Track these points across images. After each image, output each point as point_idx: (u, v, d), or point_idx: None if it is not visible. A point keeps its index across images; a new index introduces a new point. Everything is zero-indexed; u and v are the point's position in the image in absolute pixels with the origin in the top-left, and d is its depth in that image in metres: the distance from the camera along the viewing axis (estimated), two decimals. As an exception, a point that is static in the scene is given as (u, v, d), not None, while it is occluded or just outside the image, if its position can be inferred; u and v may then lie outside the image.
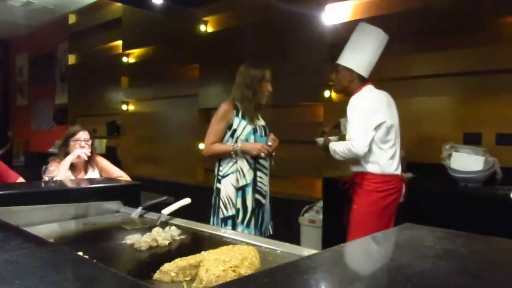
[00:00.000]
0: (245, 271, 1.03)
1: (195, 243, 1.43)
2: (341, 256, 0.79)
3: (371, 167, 2.35)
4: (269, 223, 2.57)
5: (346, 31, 3.65)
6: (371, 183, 2.35)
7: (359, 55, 2.45)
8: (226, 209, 2.42)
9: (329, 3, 3.76)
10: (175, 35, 5.16)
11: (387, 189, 2.35)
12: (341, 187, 2.50)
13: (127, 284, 0.66)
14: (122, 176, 2.72)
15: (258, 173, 2.47)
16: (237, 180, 2.42)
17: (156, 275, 1.04)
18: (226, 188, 2.43)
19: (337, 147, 2.36)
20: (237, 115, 2.46)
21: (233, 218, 2.40)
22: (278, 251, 1.27)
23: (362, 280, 0.64)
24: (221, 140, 2.48)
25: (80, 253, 1.06)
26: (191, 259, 1.07)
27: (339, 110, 3.68)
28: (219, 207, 2.44)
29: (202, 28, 4.86)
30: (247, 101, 2.48)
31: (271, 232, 2.54)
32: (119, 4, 5.80)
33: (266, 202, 2.52)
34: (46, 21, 7.11)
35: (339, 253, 0.81)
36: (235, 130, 2.46)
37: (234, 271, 1.00)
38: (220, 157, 2.49)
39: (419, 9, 3.22)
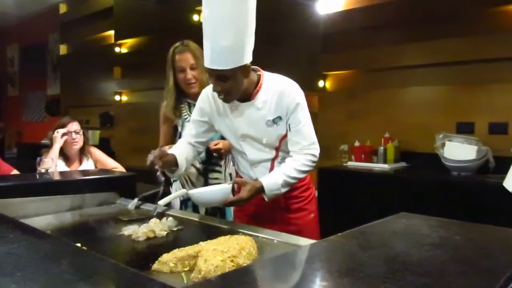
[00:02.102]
0: (243, 261, 1.04)
1: (192, 234, 1.44)
2: (339, 245, 0.80)
3: None
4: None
5: (340, 21, 3.66)
6: (308, 182, 1.88)
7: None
8: None
9: (323, -8, 3.74)
10: (167, 24, 5.11)
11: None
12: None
13: (127, 275, 0.67)
14: (117, 167, 2.71)
15: (213, 175, 2.11)
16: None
17: (155, 266, 1.05)
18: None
19: (289, 172, 1.61)
20: (179, 115, 2.13)
21: None
22: (275, 241, 1.28)
23: (361, 269, 0.65)
24: (170, 143, 2.15)
25: (78, 245, 1.07)
26: (189, 249, 1.08)
27: (334, 100, 3.71)
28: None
29: (195, 17, 4.82)
30: (165, 95, 2.16)
31: None
32: (111, -7, 5.74)
33: None
34: (36, 11, 7.01)
35: (337, 243, 0.82)
36: (180, 134, 2.13)
37: (232, 261, 1.01)
38: None
39: (409, -1, 3.22)
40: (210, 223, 1.54)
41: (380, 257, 0.72)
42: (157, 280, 0.64)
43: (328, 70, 3.77)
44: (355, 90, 3.56)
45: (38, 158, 2.60)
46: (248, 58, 1.56)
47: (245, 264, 1.03)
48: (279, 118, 1.64)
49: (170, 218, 1.47)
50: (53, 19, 6.92)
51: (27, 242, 0.83)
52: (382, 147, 3.10)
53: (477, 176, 2.63)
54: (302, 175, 1.65)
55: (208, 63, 1.51)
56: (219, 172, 2.13)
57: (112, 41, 5.94)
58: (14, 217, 1.25)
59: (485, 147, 2.64)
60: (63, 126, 2.67)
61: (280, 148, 1.71)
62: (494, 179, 2.48)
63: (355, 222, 1.01)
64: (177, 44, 2.15)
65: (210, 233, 1.40)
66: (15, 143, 7.80)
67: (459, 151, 2.63)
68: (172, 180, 2.19)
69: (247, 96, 1.64)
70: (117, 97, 5.94)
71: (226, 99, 1.60)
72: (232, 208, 2.19)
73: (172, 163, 1.68)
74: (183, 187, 2.09)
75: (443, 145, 2.71)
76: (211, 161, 2.10)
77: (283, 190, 1.61)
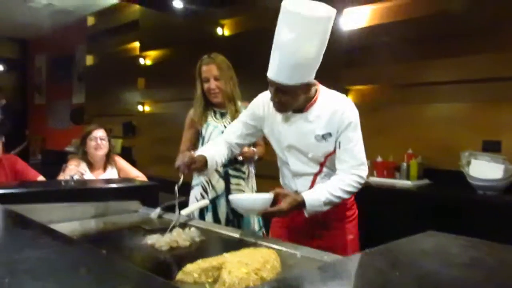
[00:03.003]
0: (267, 274, 1.03)
1: (215, 245, 1.44)
2: (366, 262, 0.79)
3: None
4: (259, 231, 2.24)
5: (363, 36, 3.66)
6: (354, 202, 1.85)
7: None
8: None
9: (346, 7, 3.75)
10: (191, 37, 5.19)
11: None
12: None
13: (157, 284, 0.67)
14: (139, 176, 2.75)
15: (233, 180, 2.20)
16: (206, 193, 2.19)
17: (179, 276, 1.05)
18: (191, 201, 2.23)
19: (334, 191, 1.58)
20: (205, 120, 2.26)
21: None
22: (298, 255, 1.27)
23: (393, 286, 0.64)
24: (191, 149, 2.24)
25: (103, 252, 1.08)
26: (213, 260, 1.08)
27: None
28: None
29: (219, 31, 4.89)
30: (194, 102, 2.30)
31: None
32: (137, 6, 5.87)
33: None
34: (65, 23, 7.22)
35: (364, 259, 0.81)
36: (204, 137, 2.24)
37: (256, 274, 1.01)
38: None
39: (438, 14, 3.19)
40: (232, 235, 1.53)
41: (410, 276, 0.70)
42: (187, 290, 0.64)
43: (351, 84, 3.76)
44: (378, 105, 3.53)
45: (64, 165, 2.67)
46: (311, 77, 1.59)
47: (268, 278, 1.03)
48: (329, 134, 1.63)
49: (193, 229, 1.48)
50: (81, 31, 7.12)
51: (58, 248, 0.84)
52: (405, 163, 3.05)
53: (503, 195, 2.57)
54: (346, 196, 1.61)
55: (272, 74, 1.55)
56: (241, 178, 2.20)
57: (137, 52, 6.07)
58: (41, 222, 1.27)
59: (512, 166, 2.57)
60: (89, 133, 2.74)
61: (325, 164, 1.69)
62: (521, 199, 2.41)
63: (377, 239, 0.99)
64: (205, 56, 2.30)
65: (232, 244, 1.40)
66: (40, 150, 8.00)
67: (485, 169, 2.57)
68: (193, 183, 2.25)
69: (301, 107, 1.64)
70: (140, 107, 6.04)
71: (280, 110, 1.64)
72: (252, 222, 2.20)
73: (201, 169, 1.71)
74: (204, 190, 2.18)
75: (469, 163, 2.65)
76: (233, 165, 2.18)
77: (325, 208, 1.58)
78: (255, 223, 2.24)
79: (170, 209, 1.82)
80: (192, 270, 1.05)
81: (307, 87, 1.60)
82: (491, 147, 2.81)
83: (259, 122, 1.77)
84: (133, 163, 4.36)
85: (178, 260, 1.20)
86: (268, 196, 1.51)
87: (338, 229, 1.75)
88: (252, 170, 2.28)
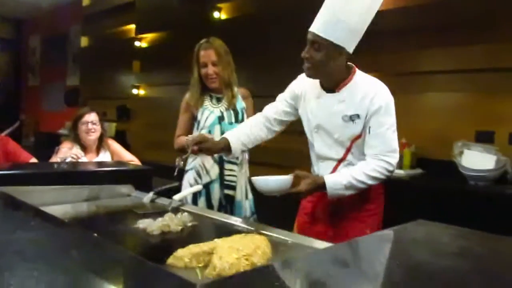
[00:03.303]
0: (257, 260, 1.04)
1: (207, 230, 1.45)
2: (358, 250, 0.80)
3: None
4: (250, 217, 2.27)
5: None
6: (382, 195, 1.80)
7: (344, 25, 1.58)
8: None
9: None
10: (188, 21, 5.13)
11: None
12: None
13: (148, 268, 0.67)
14: (133, 160, 2.74)
15: (227, 166, 2.20)
16: (200, 177, 2.19)
17: (170, 260, 1.06)
18: (184, 185, 2.23)
19: (358, 176, 1.56)
20: (201, 104, 2.24)
21: None
22: (289, 242, 1.28)
23: (384, 275, 0.65)
24: (187, 133, 2.24)
25: (94, 235, 1.08)
26: (205, 246, 1.08)
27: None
28: None
29: (216, 14, 4.83)
30: (190, 85, 2.29)
31: None
32: (133, -13, 5.79)
33: (237, 194, 2.22)
34: (60, 2, 7.11)
35: (356, 247, 0.81)
36: (199, 122, 2.24)
37: (247, 259, 1.01)
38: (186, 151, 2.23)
39: (433, 4, 3.17)
40: (224, 220, 1.54)
41: (401, 264, 0.71)
42: (178, 275, 0.64)
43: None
44: (373, 93, 3.52)
45: (56, 147, 2.65)
46: (347, 45, 1.59)
47: (259, 264, 1.03)
48: (357, 116, 1.61)
49: (185, 214, 1.48)
50: (75, 11, 7.01)
51: (49, 230, 0.84)
52: (398, 153, 3.06)
53: (494, 186, 2.59)
54: (371, 181, 1.57)
55: (312, 27, 1.60)
56: (235, 164, 2.20)
57: (133, 35, 5.99)
58: (33, 205, 1.27)
59: (505, 157, 2.59)
60: (81, 117, 2.71)
61: (350, 151, 1.67)
62: (512, 190, 2.44)
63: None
64: (203, 40, 2.27)
65: (224, 230, 1.41)
66: (33, 132, 7.94)
67: (477, 160, 2.58)
68: (187, 167, 2.25)
69: (333, 87, 1.65)
70: (134, 91, 5.99)
71: (309, 70, 1.64)
72: (244, 208, 2.23)
73: (214, 150, 1.76)
74: (198, 175, 2.17)
75: (461, 153, 2.66)
76: None
77: (347, 192, 1.57)
78: (247, 209, 2.25)
79: (163, 193, 1.83)
80: (183, 255, 1.05)
81: (340, 53, 1.59)
82: (484, 138, 2.82)
83: (296, 101, 1.79)
84: (127, 147, 4.34)
85: (169, 244, 1.21)
86: (288, 177, 1.54)
87: (355, 220, 1.71)
88: (246, 156, 2.29)
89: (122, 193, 1.90)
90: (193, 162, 2.23)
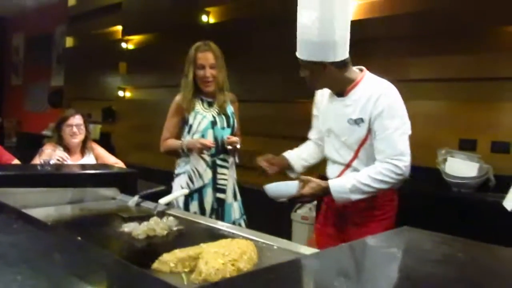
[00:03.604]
0: (244, 265, 1.04)
1: (192, 235, 1.44)
2: (344, 256, 0.80)
3: None
4: (240, 218, 2.31)
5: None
6: (393, 202, 1.80)
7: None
8: None
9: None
10: (176, 23, 5.12)
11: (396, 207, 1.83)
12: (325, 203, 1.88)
13: (133, 272, 0.67)
14: (117, 163, 2.71)
15: (220, 170, 2.22)
16: (192, 182, 2.19)
17: (155, 265, 1.05)
18: (175, 189, 2.23)
19: (362, 179, 1.57)
20: (193, 108, 2.23)
21: None
22: (275, 247, 1.28)
23: (368, 281, 0.65)
24: (175, 136, 2.27)
25: (78, 239, 1.06)
26: (190, 250, 1.08)
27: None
28: None
29: (204, 18, 4.83)
30: (182, 87, 2.26)
31: (242, 226, 2.29)
32: (121, -12, 5.75)
33: (227, 197, 2.25)
34: (45, 2, 7.01)
35: (341, 253, 0.82)
36: (191, 126, 2.22)
37: (233, 265, 1.01)
38: (176, 155, 2.28)
39: (420, 13, 3.22)
40: (210, 225, 1.53)
41: (387, 270, 0.72)
42: (163, 280, 0.64)
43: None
44: (359, 100, 3.55)
45: (40, 149, 2.61)
46: (324, 58, 1.64)
47: (245, 269, 1.03)
48: (361, 120, 1.63)
49: (171, 218, 1.47)
50: (61, 11, 6.92)
51: (31, 233, 0.83)
52: (383, 159, 3.09)
53: (477, 193, 2.63)
54: (377, 185, 1.56)
55: (297, 52, 1.71)
56: (226, 168, 2.24)
57: (119, 36, 5.95)
58: (15, 207, 1.24)
59: (487, 165, 2.64)
60: (65, 119, 2.68)
61: (358, 155, 1.69)
62: (494, 197, 2.47)
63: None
64: (200, 43, 2.29)
65: (210, 234, 1.40)
66: (15, 133, 7.79)
67: (460, 167, 2.62)
68: (178, 171, 2.27)
69: (342, 92, 1.71)
70: (120, 93, 5.94)
71: (309, 86, 1.77)
72: (233, 210, 2.27)
73: (285, 166, 1.91)
74: (190, 179, 2.19)
75: (445, 160, 2.70)
76: (220, 156, 2.21)
77: (354, 196, 1.57)
78: (236, 210, 2.29)
79: (148, 197, 1.81)
80: (169, 259, 1.05)
81: (326, 68, 1.65)
82: (467, 146, 2.87)
83: (318, 111, 1.88)
84: (112, 149, 4.30)
85: (154, 249, 1.20)
86: (296, 182, 1.65)
87: (359, 225, 1.71)
88: (236, 159, 2.31)
89: (107, 196, 1.88)
90: (186, 166, 2.23)
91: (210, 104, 2.25)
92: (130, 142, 5.76)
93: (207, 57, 2.20)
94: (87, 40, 6.66)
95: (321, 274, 0.70)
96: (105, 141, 5.27)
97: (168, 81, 5.35)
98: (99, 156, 2.76)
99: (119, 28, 5.99)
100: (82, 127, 2.70)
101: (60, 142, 2.66)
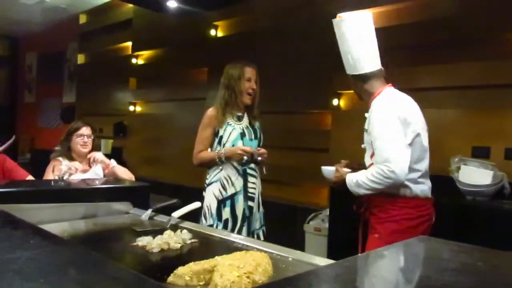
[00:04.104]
0: (259, 277, 1.03)
1: (207, 248, 1.43)
2: (360, 266, 0.79)
3: (401, 189, 1.90)
4: (259, 229, 2.46)
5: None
6: (401, 208, 1.89)
7: (344, 55, 2.06)
8: (205, 219, 2.38)
9: (339, 11, 3.77)
10: (185, 38, 5.18)
11: (420, 215, 1.92)
12: (355, 210, 2.12)
13: (149, 286, 0.67)
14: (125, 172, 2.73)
15: (250, 179, 2.40)
16: (224, 189, 2.35)
17: (170, 278, 1.04)
18: (208, 197, 2.39)
19: (362, 177, 1.86)
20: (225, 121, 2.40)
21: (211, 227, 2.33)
22: (290, 259, 1.27)
23: (386, 292, 0.65)
24: (208, 147, 2.42)
25: (94, 253, 1.07)
26: (205, 263, 1.07)
27: (347, 119, 3.71)
28: (201, 215, 2.40)
29: (212, 32, 4.88)
30: (226, 100, 2.41)
31: (261, 238, 2.44)
32: (130, 5, 5.85)
33: (256, 207, 2.43)
34: (57, 20, 7.16)
35: (358, 264, 0.81)
36: (221, 137, 2.40)
37: (248, 277, 1.00)
38: (208, 165, 2.44)
39: (429, 21, 3.22)
40: (224, 237, 1.53)
41: (403, 281, 0.71)
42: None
43: (342, 89, 3.78)
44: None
45: (50, 165, 2.64)
46: (352, 71, 2.05)
47: (260, 281, 1.02)
48: (366, 129, 1.99)
49: (184, 231, 1.47)
50: (72, 29, 7.07)
51: (48, 248, 0.83)
52: (395, 168, 3.06)
53: (492, 201, 2.59)
54: (371, 184, 1.85)
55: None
56: (255, 177, 2.43)
57: (129, 52, 6.04)
58: (31, 223, 1.26)
59: (501, 173, 2.60)
60: (77, 129, 2.72)
61: (372, 158, 1.96)
62: (509, 205, 2.44)
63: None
64: (243, 60, 2.52)
65: (224, 247, 1.40)
66: (29, 149, 7.90)
67: (474, 175, 2.59)
68: (211, 180, 2.40)
69: (368, 103, 2.04)
70: (131, 108, 6.00)
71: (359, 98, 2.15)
72: (256, 217, 2.43)
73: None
74: (223, 187, 2.35)
75: (458, 168, 2.67)
76: (250, 165, 2.39)
77: (359, 190, 1.90)
78: (258, 221, 2.46)
79: (161, 211, 1.82)
80: (184, 273, 1.04)
81: (359, 80, 2.03)
82: (481, 153, 2.84)
83: None
84: (123, 164, 4.32)
85: (169, 262, 1.20)
86: (332, 169, 2.12)
87: (370, 224, 2.03)
88: (264, 170, 2.48)
89: (120, 211, 1.88)
90: (218, 175, 2.37)
91: (239, 118, 2.44)
92: (141, 156, 5.80)
93: (254, 72, 2.45)
94: (98, 57, 6.78)
95: (337, 285, 0.69)
96: (117, 156, 5.31)
97: (177, 94, 5.41)
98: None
99: (129, 44, 6.09)
100: (91, 138, 2.75)
101: (68, 154, 2.70)
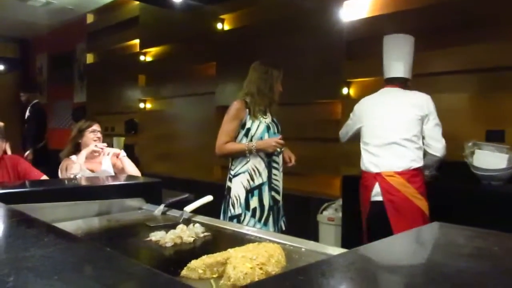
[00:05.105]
0: (272, 268, 1.03)
1: (219, 241, 1.44)
2: (373, 254, 0.79)
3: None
4: (281, 218, 2.59)
5: (364, 28, 3.63)
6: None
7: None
8: (234, 208, 2.45)
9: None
10: (192, 33, 5.18)
11: (364, 185, 2.58)
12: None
13: (162, 280, 0.67)
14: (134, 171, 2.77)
15: (273, 171, 2.50)
16: (252, 179, 2.44)
17: (184, 272, 1.05)
18: (236, 187, 2.46)
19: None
20: (249, 113, 2.48)
21: (239, 217, 2.43)
22: (303, 249, 1.27)
23: (399, 278, 0.64)
24: (233, 139, 2.49)
25: (108, 249, 1.08)
26: (218, 256, 1.08)
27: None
28: (228, 205, 2.48)
29: (219, 26, 4.87)
30: (262, 95, 2.50)
31: (283, 228, 2.56)
32: (137, 2, 5.86)
33: (280, 198, 2.55)
34: (65, 21, 7.21)
35: (371, 251, 0.80)
36: (249, 129, 2.48)
37: (261, 268, 1.00)
38: (234, 156, 2.51)
39: (440, 4, 3.17)
40: (236, 230, 1.53)
41: (417, 267, 0.70)
42: (193, 287, 0.64)
43: (352, 77, 3.74)
44: (380, 97, 3.50)
45: (64, 166, 2.67)
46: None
47: (274, 272, 1.02)
48: None
49: (197, 225, 1.47)
50: (80, 29, 7.11)
51: (62, 246, 0.84)
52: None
53: (507, 185, 2.56)
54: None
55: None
56: (278, 170, 2.53)
57: (137, 49, 6.06)
58: (45, 221, 1.27)
59: (517, 156, 2.56)
60: (89, 125, 2.77)
61: None
62: (526, 189, 2.40)
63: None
64: (277, 63, 2.66)
65: (237, 239, 1.40)
66: (42, 149, 7.97)
67: (489, 159, 2.55)
68: (237, 171, 2.48)
69: None
70: (141, 105, 6.04)
71: None
72: (261, 220, 2.45)
73: None
74: (250, 177, 2.44)
75: (473, 153, 2.64)
76: (273, 157, 2.49)
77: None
78: (281, 212, 2.57)
79: (173, 206, 1.83)
80: (197, 266, 1.05)
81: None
82: (495, 137, 2.80)
83: None
84: (135, 161, 4.35)
85: (182, 256, 1.20)
86: None
87: None
88: (293, 160, 2.59)
89: (133, 207, 1.90)
90: (246, 166, 2.45)
91: (264, 113, 2.53)
92: (153, 152, 5.84)
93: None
94: (106, 56, 6.82)
95: (351, 273, 0.69)
96: (129, 153, 5.34)
97: (187, 90, 5.42)
98: (115, 164, 2.83)
99: (136, 41, 6.11)
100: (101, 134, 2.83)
101: (77, 151, 2.74)
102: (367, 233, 2.55)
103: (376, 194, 2.46)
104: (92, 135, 2.77)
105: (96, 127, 2.83)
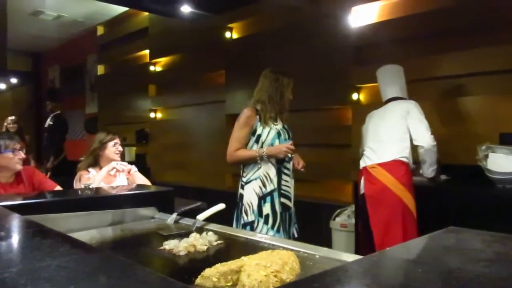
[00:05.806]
0: (286, 276, 1.02)
1: (233, 249, 1.44)
2: (389, 260, 0.78)
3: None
4: (293, 226, 2.56)
5: (372, 33, 3.63)
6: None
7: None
8: (247, 215, 2.44)
9: (355, 5, 3.73)
10: (201, 42, 5.22)
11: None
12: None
13: (177, 289, 0.67)
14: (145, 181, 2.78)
15: (283, 177, 2.49)
16: (264, 186, 2.44)
17: (198, 280, 1.05)
18: (249, 194, 2.46)
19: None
20: (260, 120, 2.49)
21: (252, 224, 2.42)
22: (317, 256, 1.26)
23: (416, 285, 0.63)
24: (244, 146, 2.50)
25: (122, 259, 1.08)
26: (232, 264, 1.07)
27: (368, 113, 3.65)
28: (241, 212, 2.47)
29: (228, 34, 4.90)
30: (273, 103, 2.51)
31: (296, 235, 2.54)
32: (146, 14, 5.93)
33: (291, 205, 2.53)
34: (75, 34, 7.33)
35: (386, 257, 0.79)
36: (259, 136, 2.48)
37: (275, 276, 1.00)
38: (245, 163, 2.51)
39: (450, 7, 3.15)
40: (249, 238, 1.53)
41: (434, 273, 0.69)
42: (208, 295, 0.63)
43: (361, 82, 3.73)
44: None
45: (76, 177, 2.70)
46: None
47: (288, 280, 1.02)
48: None
49: (210, 233, 1.47)
50: (91, 41, 7.21)
51: (77, 256, 0.85)
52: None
53: (523, 188, 2.51)
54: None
55: None
56: (288, 176, 2.51)
57: (147, 60, 6.12)
58: (60, 232, 1.28)
59: (532, 158, 2.52)
60: (112, 138, 2.80)
61: None
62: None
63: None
64: (287, 72, 2.66)
65: (250, 247, 1.39)
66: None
67: (503, 162, 2.52)
68: (249, 178, 2.47)
69: None
70: (152, 114, 6.08)
71: None
72: (274, 226, 2.43)
73: None
74: (262, 183, 2.44)
75: (486, 156, 2.60)
76: (284, 164, 2.48)
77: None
78: (293, 218, 2.55)
79: (186, 214, 1.83)
80: (211, 274, 1.04)
81: None
82: (508, 140, 2.76)
83: None
84: (147, 170, 4.39)
85: (196, 264, 1.20)
86: None
87: None
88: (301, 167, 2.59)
89: (146, 216, 1.90)
90: (257, 172, 2.45)
91: (275, 120, 2.53)
92: (164, 162, 5.87)
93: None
94: (117, 67, 6.90)
95: (367, 280, 0.68)
96: (140, 163, 5.39)
97: (196, 99, 5.45)
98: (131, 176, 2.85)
99: (146, 52, 6.17)
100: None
101: (96, 163, 2.76)
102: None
103: (362, 187, 2.67)
104: (114, 149, 2.80)
105: (117, 140, 2.87)
